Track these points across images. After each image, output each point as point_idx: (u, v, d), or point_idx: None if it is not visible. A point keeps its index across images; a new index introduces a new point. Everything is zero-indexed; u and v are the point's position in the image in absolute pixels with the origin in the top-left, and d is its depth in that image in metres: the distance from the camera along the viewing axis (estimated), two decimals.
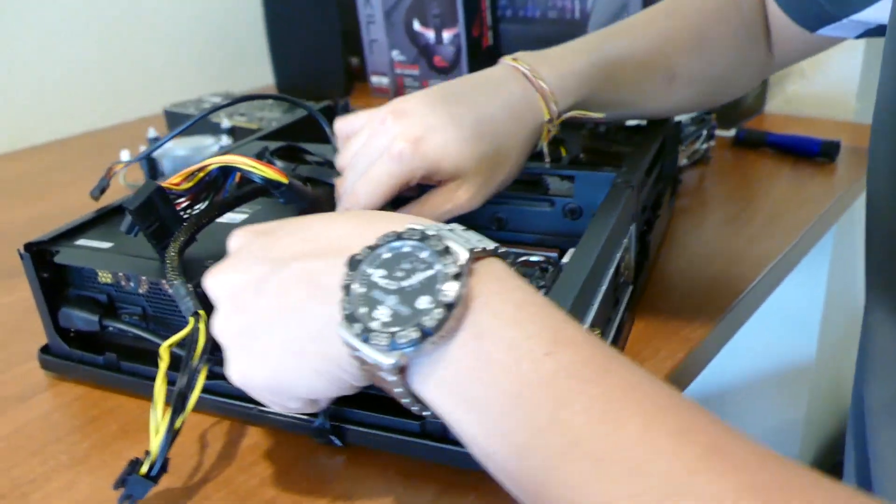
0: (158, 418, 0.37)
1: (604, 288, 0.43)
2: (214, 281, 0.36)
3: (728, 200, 0.70)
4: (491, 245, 0.31)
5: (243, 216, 0.51)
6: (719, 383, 1.09)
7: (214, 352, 0.44)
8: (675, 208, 0.69)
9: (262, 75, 1.27)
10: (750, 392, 1.08)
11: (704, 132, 0.76)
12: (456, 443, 0.34)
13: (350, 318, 0.29)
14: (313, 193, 0.50)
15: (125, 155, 0.83)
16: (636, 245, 0.52)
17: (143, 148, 0.80)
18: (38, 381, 0.50)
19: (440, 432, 0.39)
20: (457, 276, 0.28)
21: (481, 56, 1.04)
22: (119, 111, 1.15)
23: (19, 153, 1.03)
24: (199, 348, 0.38)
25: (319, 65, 1.16)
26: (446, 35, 1.04)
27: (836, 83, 0.93)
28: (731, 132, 0.84)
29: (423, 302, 0.28)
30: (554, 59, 0.52)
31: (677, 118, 0.71)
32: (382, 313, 0.29)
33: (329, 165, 0.56)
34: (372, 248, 0.30)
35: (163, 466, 0.37)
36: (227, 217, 0.51)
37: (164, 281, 0.45)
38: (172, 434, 0.37)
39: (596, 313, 0.41)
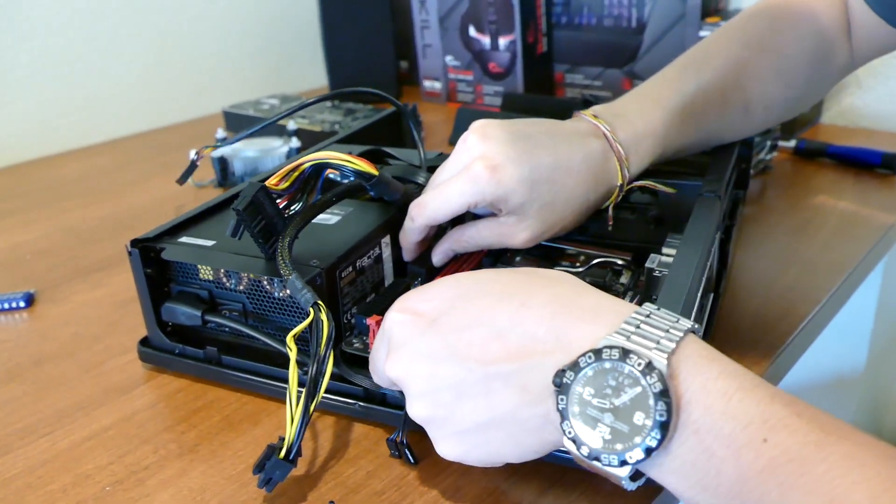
0: (293, 404, 0.39)
1: (700, 293, 0.44)
2: (398, 372, 0.36)
3: (794, 210, 0.71)
4: (686, 325, 0.32)
5: (336, 217, 0.53)
6: (817, 373, 1.09)
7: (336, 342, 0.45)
8: (742, 217, 0.69)
9: (315, 77, 1.29)
10: (803, 397, 1.08)
11: (769, 143, 0.76)
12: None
13: (575, 441, 0.31)
14: (403, 188, 0.52)
15: (191, 154, 0.84)
16: (717, 254, 0.53)
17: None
18: (137, 373, 0.52)
19: None
20: (663, 393, 0.29)
21: (535, 62, 1.05)
22: (174, 112, 1.17)
23: (77, 152, 1.05)
24: (325, 336, 0.39)
25: (372, 68, 1.17)
26: (502, 41, 1.05)
27: (893, 94, 0.93)
28: (791, 143, 0.84)
29: (639, 418, 0.30)
30: (632, 116, 0.52)
31: None
32: (603, 430, 0.30)
33: (412, 168, 0.57)
34: (575, 370, 0.31)
35: (299, 450, 0.39)
36: (321, 217, 0.52)
37: (264, 278, 0.46)
38: (308, 418, 0.39)
39: (694, 317, 0.42)
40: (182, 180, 0.53)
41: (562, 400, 0.31)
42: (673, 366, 0.30)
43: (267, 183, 0.48)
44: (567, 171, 0.48)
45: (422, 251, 0.53)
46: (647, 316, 0.32)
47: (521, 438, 0.34)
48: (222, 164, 0.80)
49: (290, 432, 0.38)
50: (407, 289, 0.51)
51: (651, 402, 0.29)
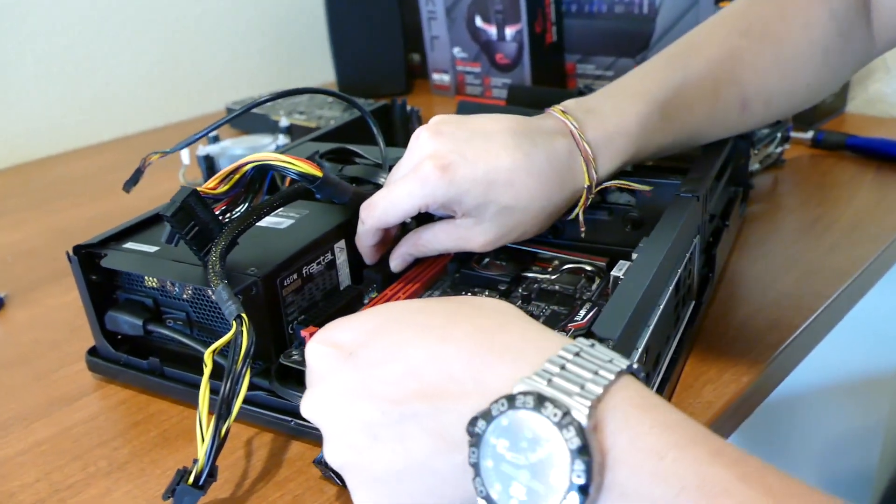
0: (204, 426, 0.36)
1: (661, 306, 0.40)
2: (312, 412, 0.33)
3: (804, 207, 0.66)
4: (620, 365, 0.27)
5: (290, 221, 0.50)
6: (794, 384, 1.04)
7: (256, 359, 0.43)
8: (746, 215, 0.65)
9: (323, 73, 1.26)
10: (828, 396, 1.03)
11: (779, 135, 0.71)
12: None
13: (487, 499, 0.27)
14: (353, 189, 0.49)
15: (184, 152, 0.83)
16: (700, 258, 0.49)
17: (202, 146, 0.80)
18: (86, 383, 0.50)
19: None
20: (582, 451, 0.25)
21: (544, 53, 1.01)
22: (182, 109, 1.16)
23: (85, 150, 1.05)
24: (242, 352, 0.37)
25: (380, 62, 1.15)
26: (508, 31, 1.01)
27: None
28: (808, 134, 0.78)
29: (557, 478, 0.25)
30: (605, 112, 0.48)
31: None
32: (518, 491, 0.26)
33: (374, 169, 0.54)
34: (487, 419, 0.27)
35: (211, 474, 0.37)
36: (272, 220, 0.50)
37: (207, 288, 0.44)
38: (219, 442, 0.36)
39: (652, 333, 0.38)
40: (127, 187, 0.51)
41: (473, 452, 0.27)
42: (599, 416, 0.26)
43: (204, 187, 0.45)
44: (528, 172, 0.44)
45: (381, 254, 0.50)
46: (576, 354, 0.28)
47: (441, 490, 0.30)
48: (209, 163, 0.78)
49: (200, 456, 0.36)
50: (359, 297, 0.49)
51: (568, 460, 0.25)
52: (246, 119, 0.96)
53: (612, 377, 0.27)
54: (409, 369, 0.30)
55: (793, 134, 0.77)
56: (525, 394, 0.26)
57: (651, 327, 0.38)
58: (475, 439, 0.27)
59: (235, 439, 0.43)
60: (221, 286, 0.39)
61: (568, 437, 0.25)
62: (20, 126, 1.01)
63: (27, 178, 0.95)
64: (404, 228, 0.51)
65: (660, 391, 0.41)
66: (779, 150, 0.72)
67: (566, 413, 0.25)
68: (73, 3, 1.03)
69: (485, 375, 0.28)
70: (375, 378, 0.31)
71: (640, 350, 0.36)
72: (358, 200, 0.48)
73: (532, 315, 0.46)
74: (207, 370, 0.37)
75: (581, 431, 0.25)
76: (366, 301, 0.49)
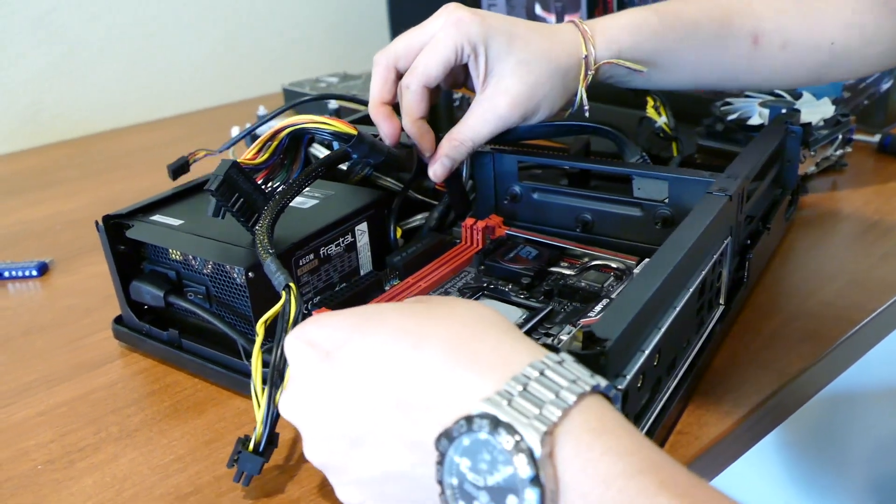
0: (258, 394, 0.37)
1: (678, 308, 0.38)
2: (290, 412, 0.33)
3: (860, 214, 0.62)
4: (584, 386, 0.26)
5: (314, 201, 0.50)
6: (847, 384, 0.99)
7: (266, 338, 0.43)
8: (794, 220, 0.61)
9: None
10: (875, 398, 0.98)
11: (840, 136, 0.67)
12: None
13: None
14: (387, 148, 0.49)
15: (234, 131, 0.84)
16: (733, 261, 0.47)
17: (249, 125, 0.81)
18: (111, 350, 0.51)
19: None
20: (533, 480, 0.24)
21: None
22: (242, 89, 1.18)
23: (145, 126, 1.08)
24: (290, 320, 0.37)
25: None
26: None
27: None
28: (875, 138, 0.74)
29: (512, 503, 0.25)
30: (612, 15, 0.52)
31: (806, 118, 0.63)
32: None
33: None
34: (449, 438, 0.26)
35: (270, 441, 0.37)
36: (297, 200, 0.50)
37: (227, 264, 0.44)
38: (275, 409, 0.37)
39: (665, 336, 0.36)
40: (173, 176, 0.52)
41: (439, 469, 0.26)
42: (554, 441, 0.25)
43: (243, 158, 0.46)
44: (539, 34, 0.50)
45: (433, 145, 0.50)
46: (542, 372, 0.27)
47: (420, 497, 0.29)
48: None
49: (258, 424, 0.36)
50: (379, 283, 0.48)
51: (520, 487, 0.24)
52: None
53: (573, 398, 0.26)
54: (385, 375, 0.29)
55: (857, 137, 0.73)
56: (483, 416, 0.25)
57: (663, 329, 0.36)
58: (440, 456, 0.26)
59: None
60: (270, 259, 0.39)
61: (520, 464, 0.24)
62: (84, 100, 1.05)
63: (87, 150, 0.98)
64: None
65: (673, 397, 0.40)
66: (839, 152, 0.68)
67: (520, 440, 0.25)
68: None
69: (451, 389, 0.28)
70: (352, 382, 0.30)
71: (646, 353, 0.34)
72: (393, 159, 0.47)
73: (553, 311, 0.45)
74: (259, 339, 0.37)
75: (532, 460, 0.24)
76: (386, 288, 0.48)
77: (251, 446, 0.37)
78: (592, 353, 0.30)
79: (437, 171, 0.50)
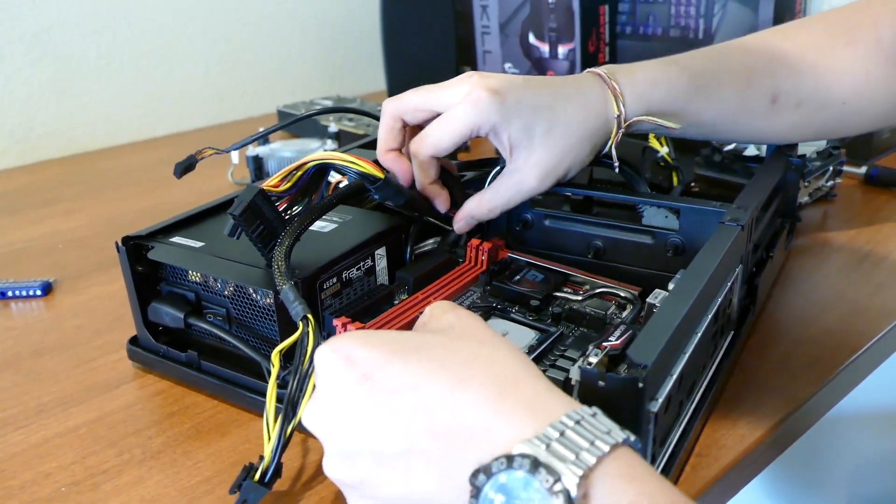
0: (270, 425, 0.37)
1: (699, 334, 0.39)
2: (317, 424, 0.33)
3: (853, 243, 0.64)
4: (617, 437, 0.28)
5: (333, 225, 0.51)
6: (866, 403, 1.01)
7: (289, 360, 0.43)
8: (792, 248, 0.63)
9: (375, 81, 1.28)
10: (864, 422, 1.00)
11: (831, 168, 0.70)
12: None
13: None
14: (409, 193, 0.50)
15: (234, 152, 0.85)
16: (742, 288, 0.48)
17: (252, 147, 0.82)
18: (125, 372, 0.51)
19: None
20: None
21: None
22: (236, 110, 1.19)
23: (140, 144, 1.08)
24: (308, 353, 0.37)
25: (432, 73, 1.15)
26: (561, 50, 1.01)
27: None
28: (862, 169, 0.77)
29: None
30: (636, 66, 0.52)
31: (802, 150, 0.66)
32: None
33: None
34: (487, 473, 0.28)
35: (276, 472, 0.37)
36: (316, 224, 0.50)
37: (249, 285, 0.45)
38: (285, 440, 0.37)
39: (688, 361, 0.37)
40: (178, 172, 0.52)
41: (472, 502, 0.28)
42: (589, 485, 0.26)
43: (267, 184, 0.46)
44: (566, 98, 0.49)
45: (449, 202, 0.52)
46: (577, 422, 0.28)
47: None
48: (257, 164, 0.80)
49: (266, 454, 0.37)
50: (390, 295, 0.49)
51: None
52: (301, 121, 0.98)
53: (607, 448, 0.27)
54: (423, 405, 0.30)
55: (846, 168, 0.76)
56: (524, 456, 0.27)
57: (687, 355, 0.37)
58: (475, 490, 0.28)
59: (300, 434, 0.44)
60: (287, 286, 0.40)
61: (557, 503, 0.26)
62: (80, 117, 1.04)
63: (83, 168, 0.98)
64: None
65: (692, 420, 0.41)
66: (830, 183, 0.71)
67: (557, 480, 0.26)
68: (138, 1, 1.06)
69: (494, 429, 0.29)
70: (389, 407, 0.31)
71: (674, 377, 0.35)
72: (413, 203, 0.48)
73: (562, 335, 0.46)
74: (275, 370, 0.37)
75: (570, 500, 0.26)
76: (395, 302, 0.49)
77: (257, 476, 0.37)
78: (631, 378, 0.31)
79: (461, 227, 0.52)
